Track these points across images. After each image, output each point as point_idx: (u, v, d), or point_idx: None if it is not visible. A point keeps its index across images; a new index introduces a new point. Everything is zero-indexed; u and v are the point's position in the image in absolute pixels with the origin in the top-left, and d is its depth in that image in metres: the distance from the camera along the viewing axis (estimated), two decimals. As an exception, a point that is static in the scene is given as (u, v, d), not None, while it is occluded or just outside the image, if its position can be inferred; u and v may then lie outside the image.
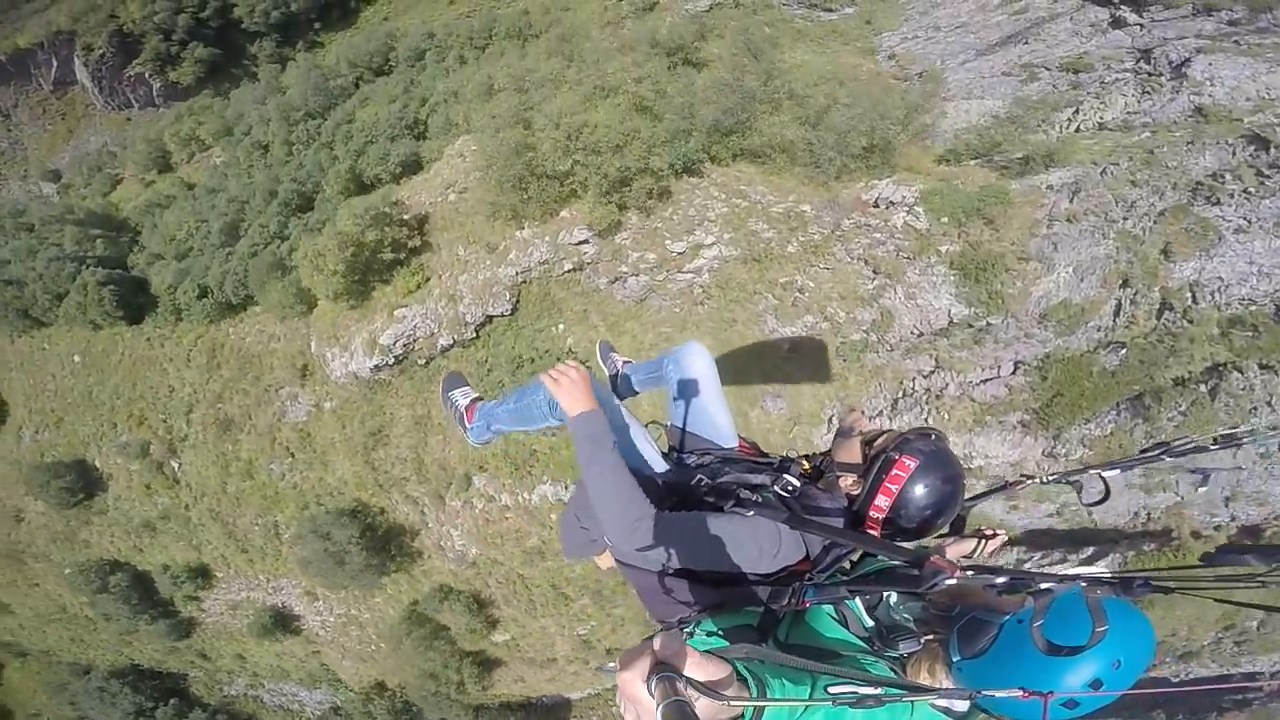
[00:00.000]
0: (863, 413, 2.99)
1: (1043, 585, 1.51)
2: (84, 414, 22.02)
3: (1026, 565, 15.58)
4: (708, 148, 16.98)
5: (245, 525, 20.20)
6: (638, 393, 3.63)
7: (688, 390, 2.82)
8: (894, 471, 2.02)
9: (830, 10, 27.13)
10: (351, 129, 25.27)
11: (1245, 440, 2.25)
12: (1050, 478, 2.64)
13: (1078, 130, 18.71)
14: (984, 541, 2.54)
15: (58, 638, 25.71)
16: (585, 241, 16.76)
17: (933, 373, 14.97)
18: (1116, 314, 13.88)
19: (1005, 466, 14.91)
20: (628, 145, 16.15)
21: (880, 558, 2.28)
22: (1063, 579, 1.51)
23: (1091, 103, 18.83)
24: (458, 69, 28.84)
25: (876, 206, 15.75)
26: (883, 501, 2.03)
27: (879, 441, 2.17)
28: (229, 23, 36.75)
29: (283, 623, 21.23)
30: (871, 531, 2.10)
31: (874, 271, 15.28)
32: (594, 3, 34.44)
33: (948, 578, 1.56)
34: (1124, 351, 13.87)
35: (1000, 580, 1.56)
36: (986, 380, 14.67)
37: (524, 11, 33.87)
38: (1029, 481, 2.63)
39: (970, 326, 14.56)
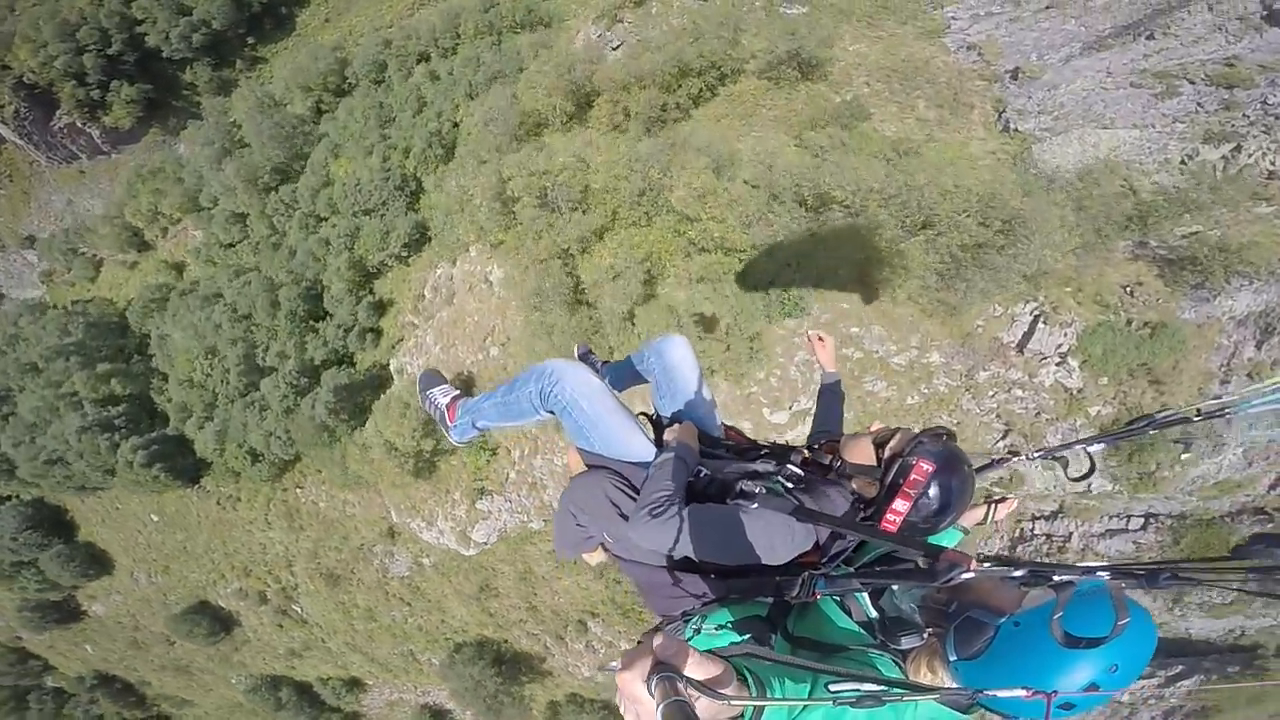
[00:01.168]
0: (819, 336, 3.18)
1: (1064, 577, 1.45)
2: (187, 563, 22.63)
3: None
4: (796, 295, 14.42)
5: (383, 654, 21.78)
6: (620, 390, 3.40)
7: (671, 379, 2.74)
8: (912, 476, 1.97)
9: None
10: (332, 195, 21.47)
11: (1229, 411, 2.21)
12: (1036, 454, 2.61)
13: (1239, 174, 13.92)
14: (994, 506, 2.47)
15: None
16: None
17: (1055, 516, 13.94)
18: (1273, 488, 12.63)
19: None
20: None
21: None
22: (1084, 570, 1.46)
23: (1258, 138, 14.09)
24: (432, 90, 23.65)
25: (1020, 353, 13.31)
26: (900, 505, 1.97)
27: (893, 443, 2.11)
28: (147, 54, 29.92)
29: (438, 716, 23.36)
30: (887, 528, 2.06)
31: (1005, 427, 13.45)
32: None
33: (963, 570, 1.50)
34: (1270, 524, 12.81)
35: (1018, 573, 1.50)
36: (1112, 532, 13.76)
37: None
38: (1015, 459, 2.61)
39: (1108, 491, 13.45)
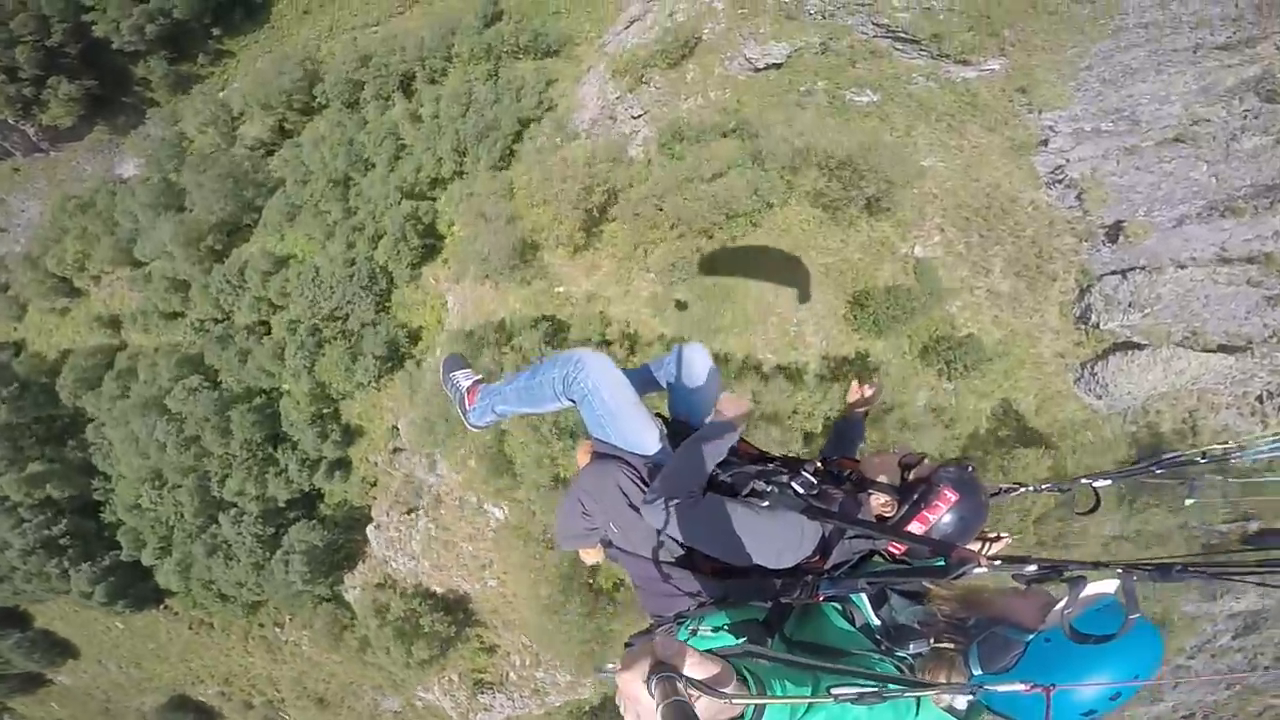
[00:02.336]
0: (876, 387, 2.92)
1: (1075, 572, 1.38)
2: (159, 665, 20.69)
3: None
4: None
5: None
6: (641, 394, 3.16)
7: (690, 387, 2.64)
8: (935, 502, 1.94)
9: (965, 63, 16.19)
10: (288, 281, 16.92)
11: (1235, 456, 2.18)
12: (1043, 487, 2.54)
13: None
14: (987, 544, 2.36)
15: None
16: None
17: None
18: None
19: None
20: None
21: (883, 557, 2.14)
22: (1096, 566, 1.40)
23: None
24: (411, 132, 18.62)
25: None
26: (916, 528, 1.95)
27: (919, 467, 2.06)
28: (94, 45, 23.79)
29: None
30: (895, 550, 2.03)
31: None
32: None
33: (974, 565, 1.46)
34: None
35: (1030, 569, 1.42)
36: None
37: (491, 3, 21.04)
38: (1020, 489, 2.53)
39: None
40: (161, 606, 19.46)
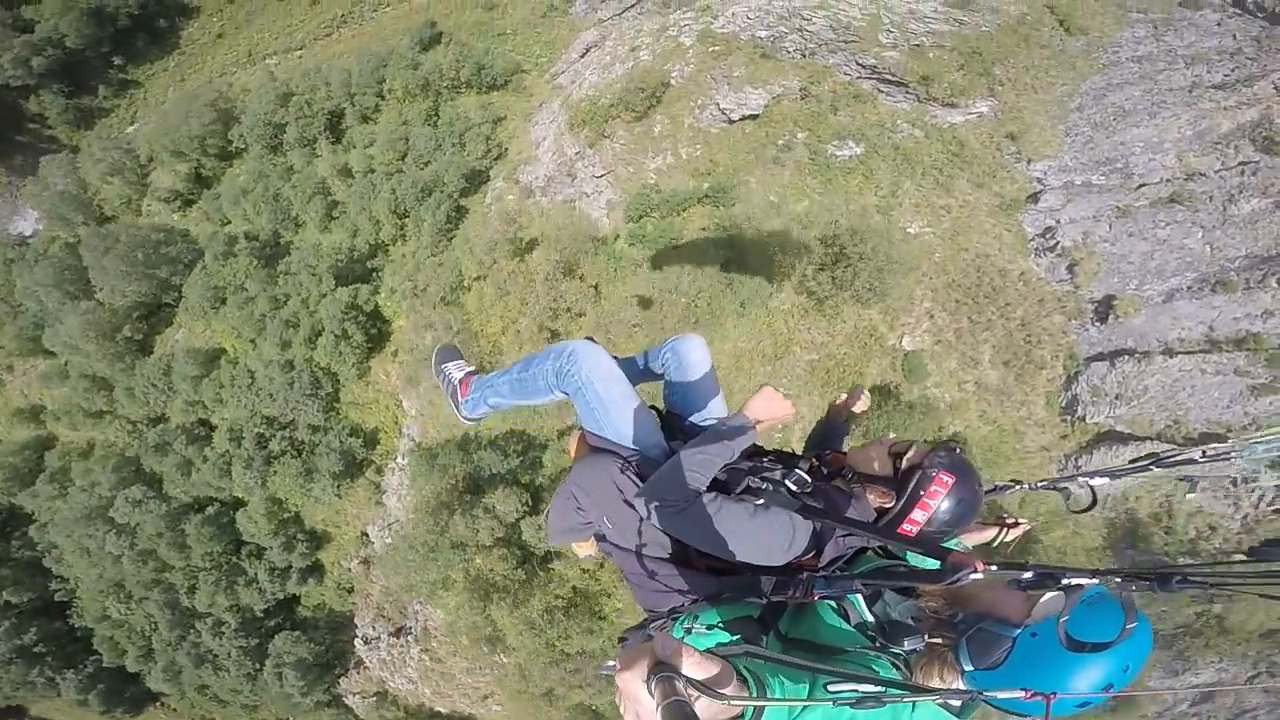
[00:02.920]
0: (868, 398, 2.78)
1: (1073, 580, 1.35)
2: None
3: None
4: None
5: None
6: (634, 385, 3.04)
7: (685, 378, 2.57)
8: (933, 487, 1.88)
9: (953, 105, 14.47)
10: (221, 388, 14.50)
11: (1234, 454, 2.15)
12: (1039, 484, 2.47)
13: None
14: (1004, 529, 2.35)
15: None
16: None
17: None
18: None
19: None
20: None
21: (876, 553, 2.11)
22: (1094, 573, 1.35)
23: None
24: (343, 190, 15.78)
25: None
26: (919, 515, 1.89)
27: (910, 455, 2.00)
28: None
29: None
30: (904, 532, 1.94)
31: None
32: (527, 2, 18.23)
33: (972, 571, 1.41)
34: None
35: (1027, 575, 1.41)
36: None
37: (430, 25, 17.96)
38: (1017, 487, 2.46)
39: None
40: (159, 704, 17.93)
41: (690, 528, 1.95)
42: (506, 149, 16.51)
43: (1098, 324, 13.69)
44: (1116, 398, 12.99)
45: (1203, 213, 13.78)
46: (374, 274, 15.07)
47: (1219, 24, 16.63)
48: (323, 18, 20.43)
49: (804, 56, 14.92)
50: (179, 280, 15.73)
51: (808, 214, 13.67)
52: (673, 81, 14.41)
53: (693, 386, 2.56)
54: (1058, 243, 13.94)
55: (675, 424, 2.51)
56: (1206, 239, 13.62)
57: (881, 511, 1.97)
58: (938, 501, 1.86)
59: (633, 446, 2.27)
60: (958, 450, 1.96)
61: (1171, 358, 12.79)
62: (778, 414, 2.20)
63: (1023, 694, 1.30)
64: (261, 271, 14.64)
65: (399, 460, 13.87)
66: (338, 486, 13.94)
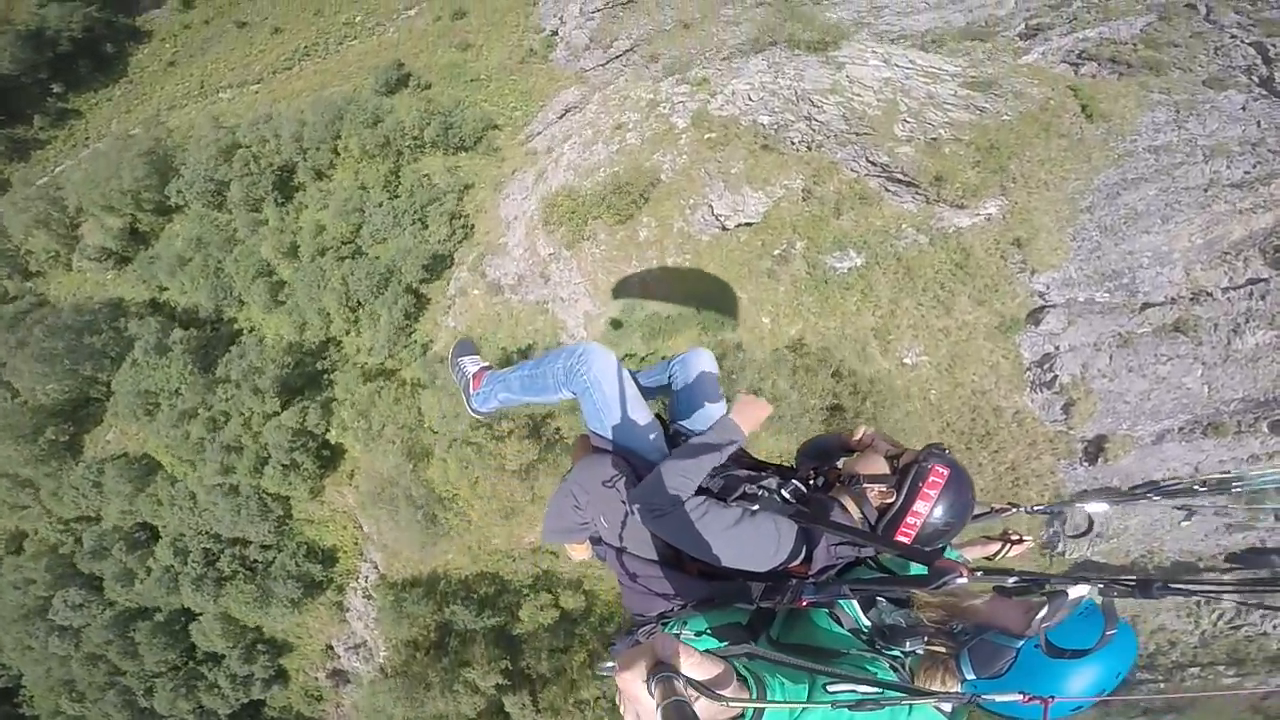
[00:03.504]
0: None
1: (1055, 586, 1.35)
2: None
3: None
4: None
5: None
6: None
7: (692, 391, 2.59)
8: (930, 479, 1.88)
9: (962, 206, 13.12)
10: (159, 505, 12.94)
11: (1235, 486, 2.11)
12: (1036, 508, 2.47)
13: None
14: (1008, 545, 2.37)
15: None
16: None
17: None
18: None
19: None
20: None
21: (869, 566, 2.08)
22: (1077, 581, 1.34)
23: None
24: (290, 272, 13.56)
25: None
26: (921, 507, 1.88)
27: (905, 456, 2.03)
28: None
29: None
30: (902, 539, 1.92)
31: None
32: (504, 44, 15.66)
33: (957, 576, 1.41)
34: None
35: (1011, 581, 1.42)
36: None
37: (397, 66, 15.34)
38: (1014, 510, 2.45)
39: None
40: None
41: (677, 532, 1.92)
42: (473, 226, 14.61)
43: (1086, 464, 13.18)
44: (1097, 535, 12.75)
45: (1205, 346, 13.00)
46: (325, 376, 13.53)
47: (1244, 107, 15.30)
48: (284, 49, 17.47)
49: (809, 149, 13.23)
50: (106, 376, 13.92)
51: (802, 338, 12.58)
52: (663, 176, 12.71)
53: (699, 396, 2.53)
54: (1055, 376, 13.09)
55: (680, 432, 2.47)
56: (1206, 377, 12.93)
57: (883, 511, 1.95)
58: (936, 493, 1.85)
59: (636, 449, 2.25)
60: (947, 450, 1.97)
61: (1152, 504, 12.49)
62: (759, 415, 2.22)
63: (1020, 697, 1.29)
64: (198, 379, 12.92)
65: (362, 581, 12.99)
66: (296, 609, 13.07)
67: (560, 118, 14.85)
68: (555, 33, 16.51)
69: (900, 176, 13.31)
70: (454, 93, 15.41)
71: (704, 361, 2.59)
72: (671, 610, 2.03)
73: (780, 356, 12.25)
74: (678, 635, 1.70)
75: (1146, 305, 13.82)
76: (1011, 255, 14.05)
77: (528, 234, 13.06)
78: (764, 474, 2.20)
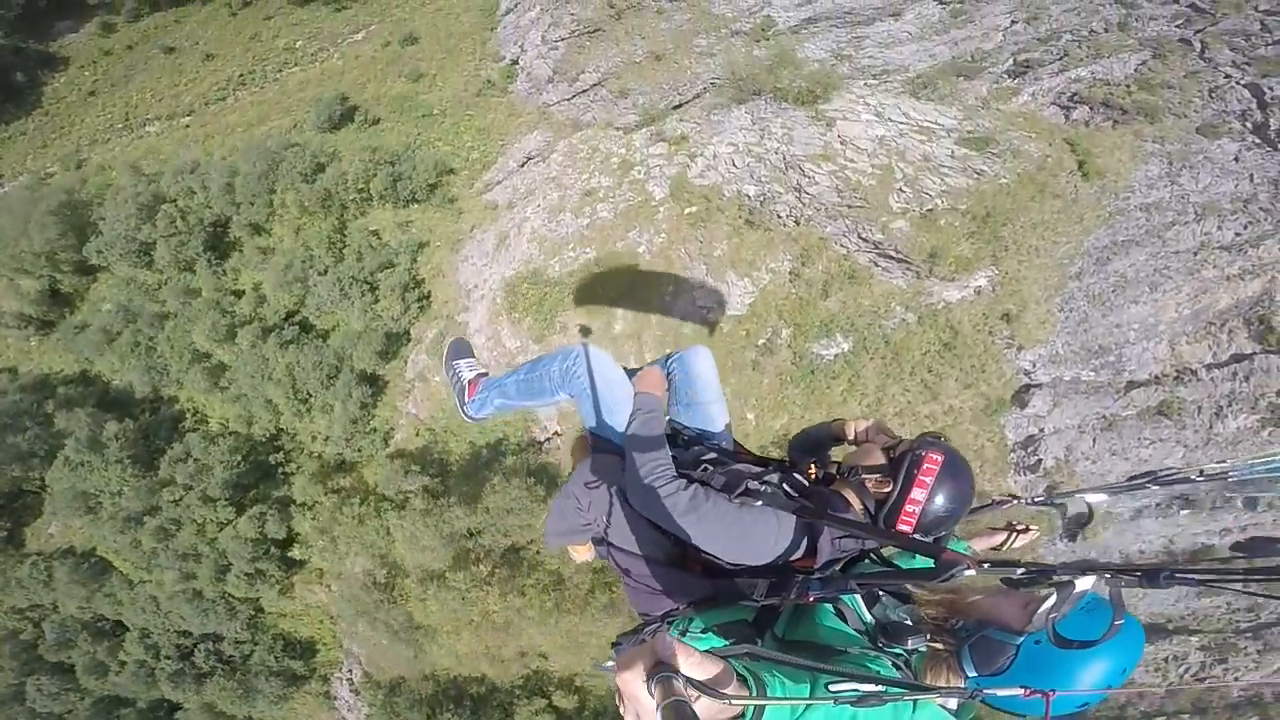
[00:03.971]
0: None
1: (1063, 577, 1.28)
2: None
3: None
4: None
5: None
6: None
7: (691, 389, 2.57)
8: (925, 466, 1.85)
9: (952, 280, 12.28)
10: (120, 605, 12.27)
11: (1231, 475, 2.08)
12: (1036, 499, 2.44)
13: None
14: (1014, 535, 2.35)
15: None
16: None
17: None
18: None
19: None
20: None
21: (873, 560, 2.06)
22: (1084, 570, 1.26)
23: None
24: (228, 355, 12.00)
25: None
26: (919, 494, 1.84)
27: (900, 446, 2.01)
28: None
29: None
30: (903, 528, 1.85)
31: None
32: (460, 73, 13.55)
33: (964, 569, 1.35)
34: None
35: (1019, 572, 1.33)
36: None
37: (341, 100, 13.13)
38: (1015, 501, 2.40)
39: None
40: None
41: (665, 516, 1.91)
42: (429, 294, 13.05)
43: (1066, 541, 13.11)
44: (1098, 528, 12.84)
45: (1189, 430, 12.72)
46: (279, 470, 12.18)
47: (1236, 158, 14.58)
48: (217, 77, 14.90)
49: (797, 224, 11.99)
50: (37, 474, 12.23)
51: (787, 433, 11.78)
52: (639, 262, 11.42)
53: (697, 395, 2.53)
54: (1040, 460, 12.67)
55: (678, 429, 2.45)
56: (1187, 459, 12.82)
57: (881, 501, 1.92)
58: (932, 480, 1.83)
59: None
60: (942, 439, 1.95)
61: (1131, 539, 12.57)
62: (657, 378, 2.28)
63: (1022, 692, 1.25)
64: (140, 480, 11.44)
65: (346, 672, 12.16)
66: (283, 702, 12.21)
67: (522, 166, 13.13)
68: (515, 61, 14.46)
69: (893, 253, 12.25)
70: (404, 129, 13.40)
71: (703, 359, 2.56)
72: (677, 609, 1.99)
73: (765, 451, 11.33)
74: (682, 634, 1.70)
75: (1132, 385, 13.38)
76: (999, 331, 13.33)
77: (490, 320, 11.65)
78: (766, 470, 2.17)
